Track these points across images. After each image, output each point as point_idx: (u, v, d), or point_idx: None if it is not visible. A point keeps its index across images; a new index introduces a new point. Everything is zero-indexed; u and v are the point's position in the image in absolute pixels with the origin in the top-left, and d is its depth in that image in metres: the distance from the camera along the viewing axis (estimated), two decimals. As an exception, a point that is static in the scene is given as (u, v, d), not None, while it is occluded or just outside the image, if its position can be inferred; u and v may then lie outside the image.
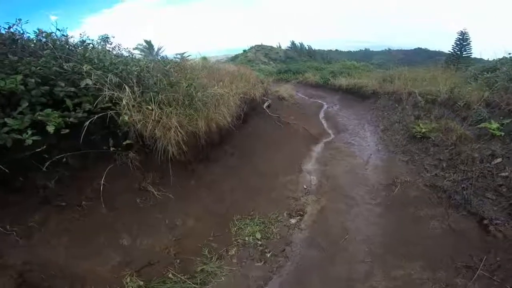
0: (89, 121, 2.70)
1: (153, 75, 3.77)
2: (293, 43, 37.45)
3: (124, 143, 3.09)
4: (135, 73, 3.48)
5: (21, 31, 3.27)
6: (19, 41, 3.12)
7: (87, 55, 3.42)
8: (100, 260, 2.62)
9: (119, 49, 5.21)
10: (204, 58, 9.07)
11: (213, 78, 5.49)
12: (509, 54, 6.94)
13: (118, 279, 2.49)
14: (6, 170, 2.14)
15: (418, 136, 5.35)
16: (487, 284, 2.34)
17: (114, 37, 5.55)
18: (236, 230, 3.36)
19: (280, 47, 36.20)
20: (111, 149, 2.98)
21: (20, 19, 3.26)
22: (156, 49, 13.63)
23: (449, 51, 20.62)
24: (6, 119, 2.21)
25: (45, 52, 3.01)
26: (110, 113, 2.91)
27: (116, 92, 3.04)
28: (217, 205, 3.70)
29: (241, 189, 4.14)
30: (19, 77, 2.38)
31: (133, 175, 3.25)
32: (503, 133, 3.78)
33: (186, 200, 3.57)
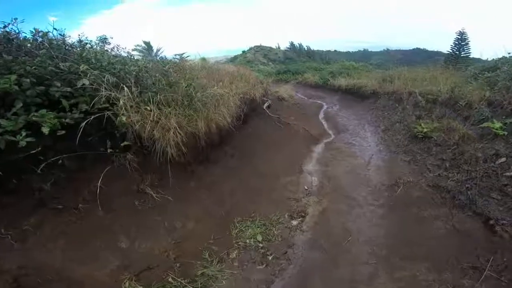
0: (86, 122, 2.64)
1: (152, 75, 3.71)
2: (292, 43, 37.55)
3: (122, 144, 3.03)
4: (133, 73, 3.42)
5: (17, 31, 3.21)
6: (14, 40, 3.06)
7: (84, 54, 3.37)
8: (98, 264, 2.56)
9: (118, 50, 5.16)
10: (203, 59, 9.02)
11: (213, 78, 5.44)
12: (509, 53, 6.93)
13: (116, 284, 2.43)
14: (0, 173, 2.08)
15: (420, 136, 5.31)
16: (494, 285, 2.29)
17: (112, 37, 5.50)
18: (237, 232, 3.30)
19: (279, 47, 36.28)
20: (109, 150, 2.92)
21: (16, 18, 3.20)
22: (155, 50, 13.57)
23: (447, 51, 20.69)
24: (-1, 120, 2.15)
25: (41, 51, 2.95)
26: (107, 114, 2.85)
27: (113, 92, 2.98)
28: (217, 207, 3.64)
29: (241, 191, 4.08)
30: (13, 77, 2.32)
31: (131, 177, 3.19)
32: (506, 133, 3.73)
33: (186, 202, 3.50)
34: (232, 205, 3.75)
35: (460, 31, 19.45)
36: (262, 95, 7.24)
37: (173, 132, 3.38)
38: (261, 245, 3.14)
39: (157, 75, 3.75)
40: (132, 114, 3.05)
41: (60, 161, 2.68)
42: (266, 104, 7.32)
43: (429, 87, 7.18)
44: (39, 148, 2.41)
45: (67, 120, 2.53)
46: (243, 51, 34.28)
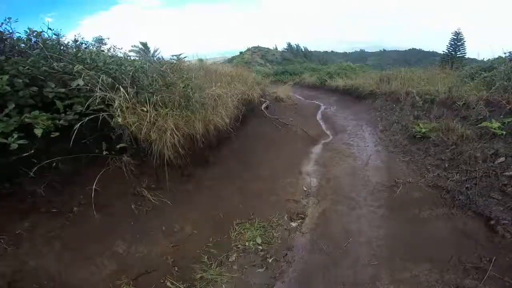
0: (80, 123, 2.58)
1: (148, 76, 3.66)
2: (289, 44, 37.72)
3: (117, 146, 2.97)
4: (130, 73, 3.37)
5: (10, 30, 3.14)
6: (7, 40, 2.99)
7: (79, 55, 3.31)
8: (94, 268, 2.51)
9: (114, 51, 5.09)
10: (200, 60, 8.96)
11: (211, 79, 5.39)
12: (505, 53, 6.97)
13: (113, 288, 2.37)
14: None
15: (418, 136, 5.29)
16: (498, 285, 2.27)
17: (108, 38, 5.44)
18: (236, 235, 3.25)
19: (276, 48, 36.43)
20: (104, 153, 2.86)
21: (9, 18, 3.14)
22: (152, 51, 13.46)
23: (443, 51, 20.87)
24: (-10, 122, 2.09)
25: (34, 51, 2.89)
26: (102, 115, 2.80)
27: (109, 93, 2.92)
28: (216, 210, 3.58)
29: (240, 193, 4.04)
30: (5, 77, 2.26)
31: (127, 179, 3.13)
32: (504, 132, 3.73)
33: (184, 205, 3.45)
34: (230, 207, 3.70)
35: (455, 31, 19.65)
36: (260, 96, 7.21)
37: (170, 134, 3.33)
38: (260, 247, 3.09)
39: (154, 75, 3.70)
40: (128, 115, 3.00)
41: (54, 164, 2.62)
42: (264, 105, 7.28)
43: (427, 87, 7.20)
44: (32, 151, 2.35)
45: (61, 122, 2.48)
46: (241, 52, 34.35)
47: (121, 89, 3.02)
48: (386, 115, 7.67)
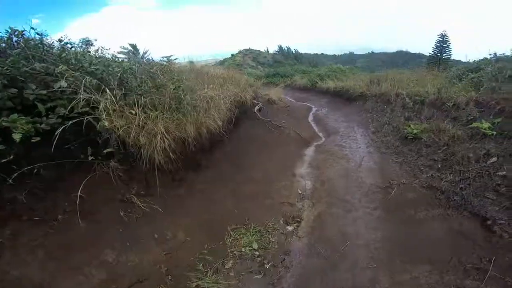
0: (63, 127, 2.43)
1: (137, 77, 3.52)
2: (280, 47, 37.96)
3: (104, 151, 2.83)
4: (117, 74, 3.22)
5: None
6: (-15, 40, 2.82)
7: (63, 55, 3.15)
8: (82, 278, 2.38)
9: (102, 52, 4.92)
10: (191, 62, 8.83)
11: (203, 81, 5.28)
12: (490, 54, 7.18)
13: (103, 299, 2.24)
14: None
15: (410, 137, 5.34)
16: (500, 285, 2.26)
17: (96, 40, 5.25)
18: (231, 241, 3.14)
19: (267, 51, 36.56)
20: (90, 158, 2.71)
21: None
22: (141, 53, 13.18)
23: (429, 53, 21.40)
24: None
25: (14, 51, 2.72)
26: (87, 119, 2.65)
27: (94, 95, 2.77)
28: (210, 215, 3.47)
29: (234, 197, 3.93)
30: (-20, 78, 2.10)
31: (115, 185, 2.99)
32: (495, 132, 3.79)
33: (176, 211, 3.32)
34: (225, 212, 3.59)
35: (441, 33, 20.17)
36: (252, 98, 7.14)
37: (160, 138, 3.21)
38: (257, 253, 3.00)
39: (143, 77, 3.56)
40: (116, 119, 2.86)
41: (36, 170, 2.46)
42: (257, 107, 7.22)
43: (416, 89, 7.32)
44: (11, 157, 2.19)
45: (42, 126, 2.33)
46: (232, 54, 34.31)
47: (107, 91, 2.88)
48: (377, 116, 7.74)
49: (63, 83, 2.54)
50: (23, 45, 2.93)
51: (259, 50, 35.16)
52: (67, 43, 3.99)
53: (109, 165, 2.91)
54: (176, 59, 6.53)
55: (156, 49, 29.78)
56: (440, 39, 20.12)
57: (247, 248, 3.04)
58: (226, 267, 2.82)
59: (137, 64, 3.82)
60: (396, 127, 6.22)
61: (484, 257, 2.50)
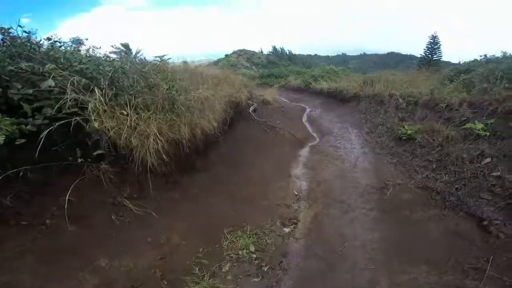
0: (49, 129, 2.32)
1: (129, 77, 3.41)
2: (274, 48, 38.06)
3: (94, 153, 2.72)
4: (108, 74, 3.12)
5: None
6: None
7: (51, 53, 3.03)
8: (73, 284, 2.30)
9: (94, 52, 4.77)
10: (185, 62, 8.70)
11: (197, 81, 5.19)
12: (480, 56, 7.32)
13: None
14: None
15: (404, 137, 5.37)
16: (498, 285, 2.27)
17: (87, 39, 5.10)
18: (227, 244, 3.07)
19: (262, 51, 36.58)
20: (79, 160, 2.60)
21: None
22: (134, 52, 12.95)
23: (420, 54, 21.80)
24: None
25: (-1, 49, 2.60)
26: (76, 120, 2.54)
27: (81, 95, 2.66)
28: (205, 218, 3.39)
29: (229, 199, 3.86)
30: (-39, 77, 1.98)
31: (106, 188, 2.89)
32: (488, 133, 3.83)
33: (170, 214, 3.23)
34: (220, 214, 3.51)
35: (432, 35, 20.56)
36: (247, 99, 7.08)
37: (153, 139, 3.12)
38: (254, 255, 2.93)
39: (135, 76, 3.46)
40: (106, 119, 2.76)
41: (22, 173, 2.35)
42: (252, 108, 7.16)
43: (409, 89, 7.40)
44: (-6, 160, 2.08)
45: (28, 127, 2.22)
46: (226, 55, 34.22)
47: (97, 90, 2.77)
48: (370, 117, 7.78)
49: (51, 83, 2.43)
50: (9, 43, 2.80)
51: (253, 51, 35.20)
52: (56, 41, 3.86)
53: (99, 168, 2.81)
54: (169, 59, 6.41)
55: (149, 49, 29.47)
56: (431, 40, 20.49)
57: (244, 250, 2.98)
58: (223, 270, 2.75)
59: (129, 63, 3.71)
60: (390, 128, 6.26)
61: (481, 257, 2.51)
